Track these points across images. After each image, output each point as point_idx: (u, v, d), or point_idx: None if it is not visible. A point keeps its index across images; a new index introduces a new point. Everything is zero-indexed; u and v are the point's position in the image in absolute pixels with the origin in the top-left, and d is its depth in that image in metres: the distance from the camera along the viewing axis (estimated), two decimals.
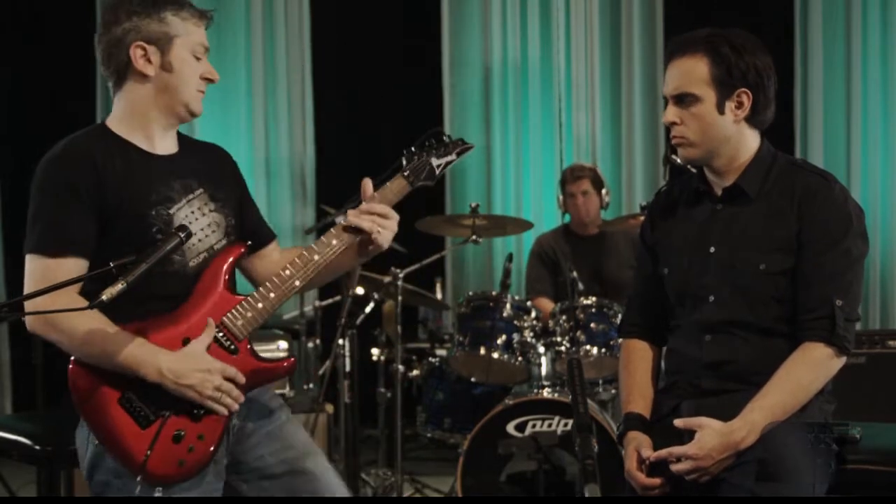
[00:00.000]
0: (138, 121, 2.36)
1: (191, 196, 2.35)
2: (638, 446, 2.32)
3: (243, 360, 2.29)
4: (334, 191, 5.03)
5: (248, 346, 2.31)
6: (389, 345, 4.88)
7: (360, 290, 4.40)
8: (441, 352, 4.85)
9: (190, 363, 2.21)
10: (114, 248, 2.21)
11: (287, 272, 2.31)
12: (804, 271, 2.27)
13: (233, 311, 2.29)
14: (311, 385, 4.81)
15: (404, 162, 2.46)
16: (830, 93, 5.72)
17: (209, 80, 2.36)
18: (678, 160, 2.49)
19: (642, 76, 5.85)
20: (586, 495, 1.95)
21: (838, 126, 5.72)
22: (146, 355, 2.21)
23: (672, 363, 2.46)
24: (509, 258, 4.64)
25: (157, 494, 2.22)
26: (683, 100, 2.33)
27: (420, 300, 5.15)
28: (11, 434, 2.89)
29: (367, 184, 2.41)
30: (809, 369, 2.25)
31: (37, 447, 2.82)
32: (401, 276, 4.25)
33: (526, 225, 4.81)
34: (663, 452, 2.25)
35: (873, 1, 5.68)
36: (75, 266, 2.27)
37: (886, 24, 5.67)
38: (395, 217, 2.39)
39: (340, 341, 4.30)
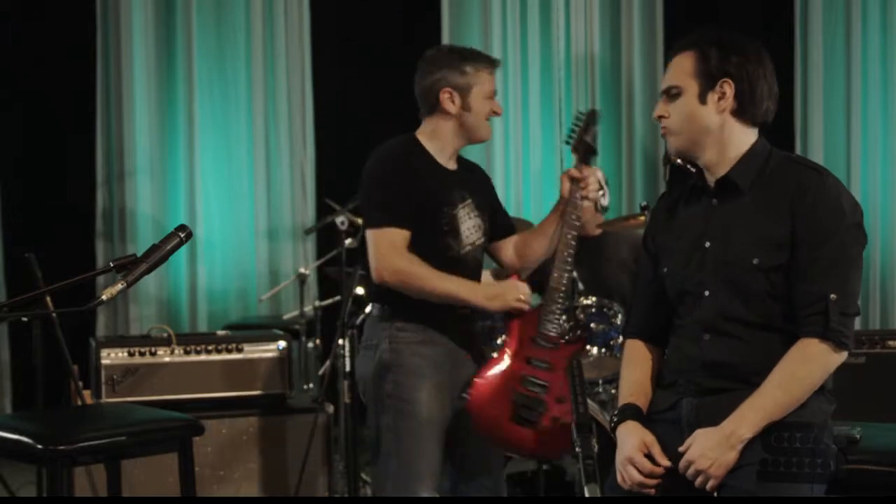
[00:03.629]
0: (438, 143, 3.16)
1: (465, 203, 3.11)
2: (648, 443, 2.32)
3: (564, 350, 3.07)
4: (334, 190, 5.03)
5: (561, 339, 3.08)
6: None
7: (359, 290, 4.39)
8: None
9: (494, 288, 3.09)
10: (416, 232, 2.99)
11: (555, 273, 3.06)
12: (798, 266, 2.27)
13: (542, 319, 3.08)
14: (311, 385, 4.82)
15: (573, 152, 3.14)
16: (830, 93, 5.72)
17: (495, 114, 3.16)
18: (678, 160, 2.51)
19: (642, 76, 5.85)
20: (586, 495, 1.95)
21: (838, 126, 5.72)
22: (463, 285, 3.01)
23: (672, 362, 2.46)
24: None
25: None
26: (670, 93, 2.39)
27: None
28: (11, 434, 2.89)
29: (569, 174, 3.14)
30: (803, 364, 2.24)
31: (37, 447, 2.82)
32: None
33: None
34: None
35: (873, 1, 5.68)
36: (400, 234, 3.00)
37: (886, 24, 5.67)
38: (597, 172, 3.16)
39: (340, 341, 4.29)
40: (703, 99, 2.35)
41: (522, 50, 5.86)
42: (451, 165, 3.17)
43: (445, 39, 5.86)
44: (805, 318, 2.25)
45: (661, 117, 2.41)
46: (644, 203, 4.31)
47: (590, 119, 3.11)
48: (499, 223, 3.27)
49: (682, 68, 2.37)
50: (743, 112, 2.36)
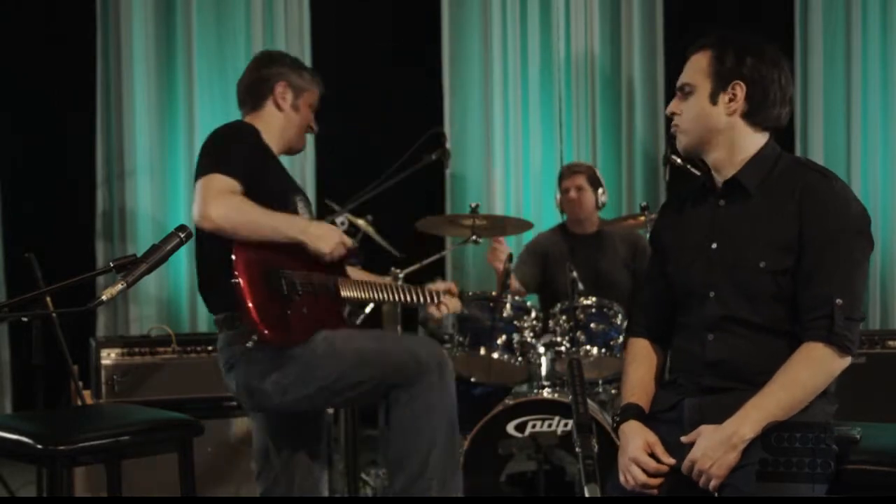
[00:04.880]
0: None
1: (300, 198, 3.14)
2: (652, 443, 2.32)
3: (335, 308, 3.07)
4: (334, 191, 5.02)
5: (342, 306, 3.07)
6: None
7: None
8: None
9: (325, 229, 3.01)
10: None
11: (390, 289, 3.17)
12: (804, 270, 2.27)
13: (347, 282, 3.08)
14: None
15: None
16: (830, 93, 5.72)
17: (312, 130, 3.29)
18: (678, 160, 2.51)
19: (642, 76, 5.85)
20: (586, 495, 1.95)
21: (838, 126, 5.72)
22: (296, 221, 3.00)
23: (675, 361, 2.46)
24: (509, 258, 4.64)
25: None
26: (684, 90, 2.40)
27: None
28: (11, 434, 2.89)
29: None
30: (807, 367, 2.24)
31: (37, 447, 2.81)
32: (401, 276, 4.24)
33: (526, 225, 4.81)
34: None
35: (873, 1, 5.68)
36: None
37: (886, 24, 5.67)
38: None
39: None
40: (713, 99, 2.36)
41: (522, 50, 5.86)
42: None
43: (445, 40, 5.86)
44: (810, 322, 2.26)
45: (673, 114, 2.42)
46: (644, 203, 4.32)
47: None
48: None
49: (698, 67, 2.38)
50: (753, 115, 2.36)
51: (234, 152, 2.94)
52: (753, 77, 2.33)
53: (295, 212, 3.06)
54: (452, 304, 3.26)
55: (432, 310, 3.27)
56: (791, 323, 2.30)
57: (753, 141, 2.39)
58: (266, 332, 2.78)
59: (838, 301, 2.24)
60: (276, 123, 3.16)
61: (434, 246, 5.06)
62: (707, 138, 2.38)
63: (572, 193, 4.77)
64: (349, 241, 3.08)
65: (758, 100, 2.34)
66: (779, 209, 2.32)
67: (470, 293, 4.48)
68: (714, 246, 2.38)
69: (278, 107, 3.17)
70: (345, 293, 3.07)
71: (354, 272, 3.28)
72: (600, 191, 4.80)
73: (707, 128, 2.37)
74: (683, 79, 2.41)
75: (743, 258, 2.32)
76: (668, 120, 2.46)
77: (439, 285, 3.33)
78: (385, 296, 3.14)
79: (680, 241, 2.46)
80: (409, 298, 3.20)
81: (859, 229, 2.31)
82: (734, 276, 2.33)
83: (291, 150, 3.25)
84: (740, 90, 2.34)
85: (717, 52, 2.36)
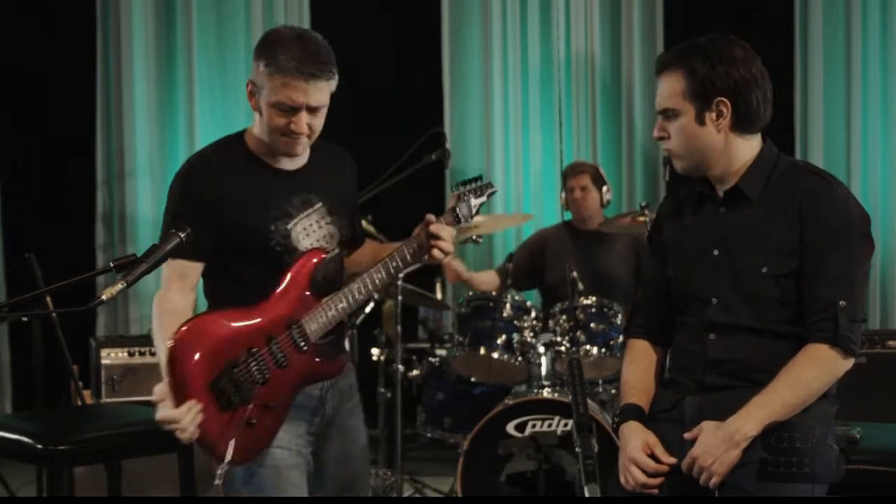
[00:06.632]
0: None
1: (310, 210, 2.57)
2: (651, 443, 2.32)
3: (308, 359, 2.48)
4: None
5: (315, 348, 2.49)
6: (389, 345, 4.88)
7: None
8: (441, 352, 4.85)
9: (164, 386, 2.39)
10: (236, 259, 2.50)
11: (356, 285, 2.51)
12: (807, 273, 2.27)
13: (312, 313, 2.47)
14: None
15: (456, 204, 2.61)
16: (830, 93, 5.72)
17: (293, 133, 2.52)
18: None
19: (642, 76, 5.85)
20: (586, 495, 1.95)
21: (838, 126, 5.72)
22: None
23: (675, 360, 2.46)
24: (509, 258, 4.64)
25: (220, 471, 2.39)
26: (667, 114, 2.37)
27: (420, 300, 5.15)
28: (11, 434, 2.89)
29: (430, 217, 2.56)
30: (811, 368, 2.25)
31: (37, 447, 2.82)
32: (401, 275, 4.24)
33: (525, 217, 4.80)
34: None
35: (873, 1, 5.67)
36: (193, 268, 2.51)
37: (886, 24, 5.66)
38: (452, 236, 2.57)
39: None
40: (700, 120, 2.33)
41: (522, 50, 5.86)
42: (290, 164, 2.59)
43: (445, 40, 5.86)
44: (814, 324, 2.26)
45: (661, 137, 2.39)
46: (644, 203, 4.31)
47: (478, 189, 2.63)
48: (357, 231, 2.78)
49: (673, 90, 2.34)
50: (742, 125, 2.35)
51: (168, 220, 2.51)
52: (732, 88, 2.31)
53: (285, 241, 2.51)
54: (445, 238, 2.53)
55: (432, 257, 2.55)
56: (793, 325, 2.30)
57: (749, 148, 2.38)
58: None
59: (842, 303, 2.24)
60: (257, 128, 2.59)
61: None
62: (704, 159, 2.36)
63: (577, 193, 4.79)
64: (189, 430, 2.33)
65: (743, 110, 2.33)
66: (780, 214, 2.32)
67: (470, 293, 4.49)
68: (716, 252, 2.37)
69: (253, 108, 2.59)
70: (311, 329, 2.48)
71: (368, 250, 2.78)
72: (605, 189, 4.81)
73: (701, 149, 2.35)
74: (663, 103, 2.36)
75: (745, 263, 2.32)
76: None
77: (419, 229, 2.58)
78: (355, 297, 2.50)
79: (680, 247, 2.46)
80: (389, 273, 2.52)
81: (861, 232, 2.31)
82: (737, 282, 2.33)
83: (287, 156, 2.57)
84: (725, 107, 2.32)
85: (687, 71, 2.32)
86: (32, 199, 5.55)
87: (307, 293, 2.49)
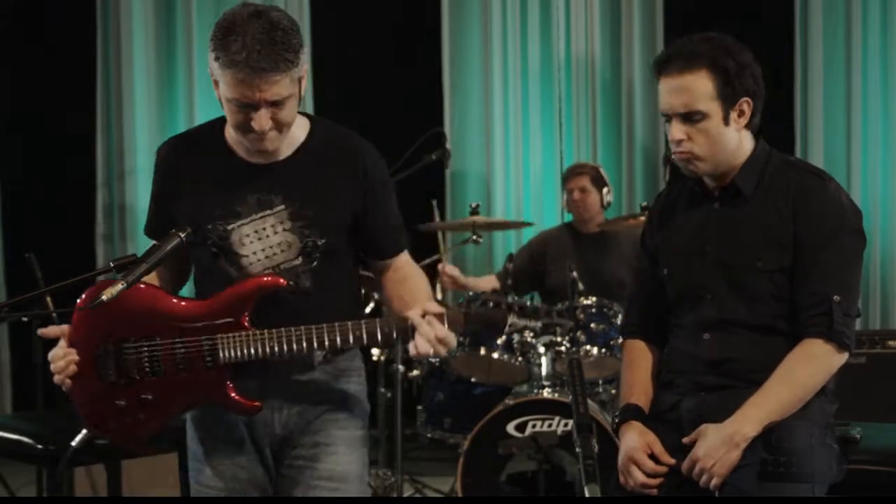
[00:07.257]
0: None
1: (267, 212, 2.26)
2: (651, 443, 2.33)
3: (214, 378, 2.24)
4: None
5: (226, 372, 2.23)
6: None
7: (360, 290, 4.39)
8: None
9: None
10: (190, 249, 2.30)
11: (299, 332, 2.19)
12: (801, 269, 2.28)
13: (234, 337, 2.21)
14: None
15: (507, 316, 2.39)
16: (830, 93, 5.71)
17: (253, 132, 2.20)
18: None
19: (642, 77, 5.84)
20: (586, 495, 1.96)
21: (838, 126, 5.72)
22: None
23: (672, 361, 2.46)
24: (509, 258, 4.63)
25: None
26: (691, 118, 2.32)
27: None
28: (11, 434, 2.89)
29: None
30: (806, 364, 2.25)
31: (37, 447, 2.82)
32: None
33: (525, 224, 4.80)
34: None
35: (873, 1, 5.67)
36: None
37: (886, 24, 5.66)
38: (452, 344, 2.24)
39: None
40: (727, 121, 2.33)
41: (522, 50, 5.86)
42: (264, 158, 2.28)
43: (445, 40, 5.86)
44: (808, 319, 2.26)
45: (681, 141, 2.33)
46: (644, 203, 4.32)
47: (495, 323, 2.38)
48: (376, 233, 2.42)
49: (702, 91, 2.30)
50: (752, 123, 2.37)
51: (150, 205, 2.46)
52: (755, 90, 2.33)
53: (223, 243, 2.27)
54: (438, 336, 2.18)
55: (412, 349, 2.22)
56: (787, 321, 2.30)
57: (749, 143, 2.39)
58: None
59: (836, 298, 2.24)
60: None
61: (434, 246, 5.05)
62: (725, 159, 2.35)
63: (576, 195, 4.79)
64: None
65: (759, 109, 2.35)
66: (773, 210, 2.32)
67: (471, 293, 4.48)
68: (709, 248, 2.38)
69: (218, 99, 2.26)
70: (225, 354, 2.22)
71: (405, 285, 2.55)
72: (605, 190, 4.81)
73: (727, 150, 2.34)
74: (690, 105, 2.31)
75: (739, 259, 2.33)
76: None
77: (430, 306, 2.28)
78: (291, 348, 2.19)
79: (673, 244, 2.46)
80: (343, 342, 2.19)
81: (853, 227, 2.32)
82: (731, 278, 2.33)
83: (259, 152, 2.26)
84: (748, 106, 2.33)
85: (717, 72, 2.30)
86: (32, 199, 5.55)
87: (243, 315, 2.21)
